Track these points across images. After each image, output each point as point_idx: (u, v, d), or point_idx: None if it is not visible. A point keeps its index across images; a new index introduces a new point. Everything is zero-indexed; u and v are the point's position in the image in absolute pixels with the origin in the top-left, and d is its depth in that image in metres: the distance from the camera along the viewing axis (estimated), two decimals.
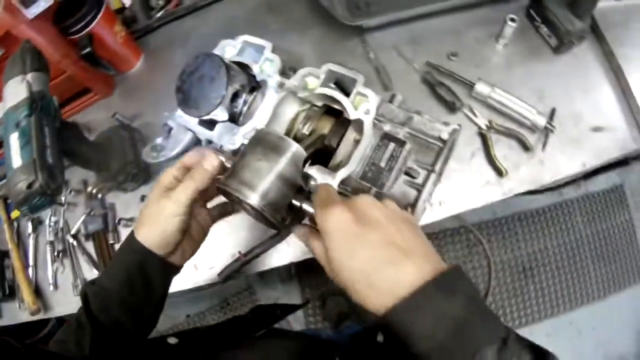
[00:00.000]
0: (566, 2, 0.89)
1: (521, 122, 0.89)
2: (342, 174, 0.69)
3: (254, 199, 0.58)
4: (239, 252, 0.81)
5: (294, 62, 0.93)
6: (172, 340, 0.67)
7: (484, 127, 0.90)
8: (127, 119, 1.03)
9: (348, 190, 0.72)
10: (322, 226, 0.48)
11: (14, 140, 0.75)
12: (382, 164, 0.71)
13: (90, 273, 0.97)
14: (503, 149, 0.90)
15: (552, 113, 0.89)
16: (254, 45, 0.84)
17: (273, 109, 0.76)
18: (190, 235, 0.66)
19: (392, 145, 0.72)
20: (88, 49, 0.90)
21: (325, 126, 0.76)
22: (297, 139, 0.77)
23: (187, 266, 0.70)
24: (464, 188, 0.89)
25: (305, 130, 0.77)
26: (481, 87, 0.90)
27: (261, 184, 0.59)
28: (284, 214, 0.63)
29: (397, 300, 0.41)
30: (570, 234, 2.08)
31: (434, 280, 0.42)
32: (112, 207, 1.01)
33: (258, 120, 0.79)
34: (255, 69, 0.81)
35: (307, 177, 0.68)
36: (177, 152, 0.86)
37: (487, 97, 0.90)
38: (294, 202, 0.63)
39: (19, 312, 1.00)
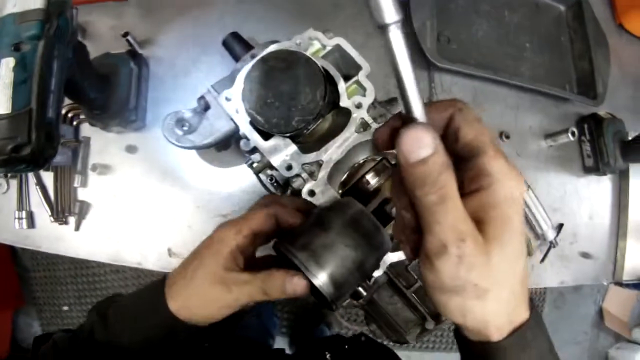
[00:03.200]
0: (619, 140, 0.91)
1: (533, 227, 0.93)
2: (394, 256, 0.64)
3: (322, 282, 0.49)
4: None
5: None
6: None
7: None
8: (137, 43, 0.82)
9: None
10: (515, 186, 0.32)
11: (7, 69, 0.52)
12: None
13: (39, 209, 0.79)
14: None
15: (560, 228, 0.94)
16: (346, 57, 0.71)
17: (348, 150, 0.67)
18: None
19: None
20: None
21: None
22: (357, 188, 0.70)
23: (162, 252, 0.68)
24: None
25: (372, 184, 0.69)
26: None
27: (336, 270, 0.50)
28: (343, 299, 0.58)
29: (513, 328, 0.36)
30: None
31: (534, 315, 0.38)
32: (87, 142, 0.80)
33: (326, 155, 0.68)
34: (341, 89, 0.69)
35: None
36: (209, 143, 0.71)
37: None
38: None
39: None
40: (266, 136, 0.67)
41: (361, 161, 0.69)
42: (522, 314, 0.37)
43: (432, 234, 0.32)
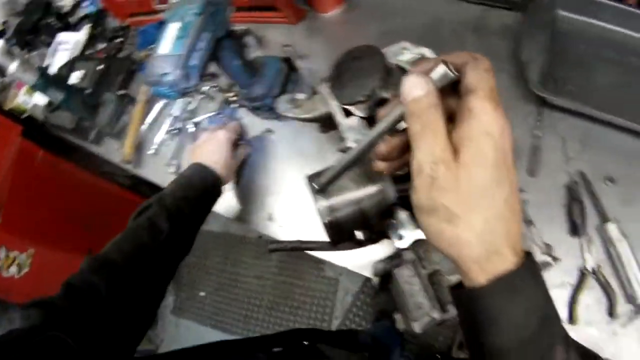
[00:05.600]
0: None
1: (624, 287, 0.81)
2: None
3: (321, 205, 0.59)
4: (299, 240, 0.84)
5: None
6: None
7: (589, 268, 0.83)
8: (296, 54, 1.08)
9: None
10: (492, 123, 0.36)
11: (173, 28, 0.82)
12: None
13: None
14: (590, 298, 0.83)
15: None
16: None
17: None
18: None
19: None
20: None
21: None
22: (409, 176, 0.77)
23: (263, 216, 0.82)
24: None
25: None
26: (612, 230, 0.82)
27: (336, 200, 0.59)
28: (341, 236, 0.64)
29: (496, 274, 0.36)
30: None
31: (527, 263, 0.37)
32: (239, 121, 1.10)
33: None
34: None
35: (389, 214, 0.69)
36: (307, 117, 0.90)
37: (611, 242, 0.82)
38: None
39: (114, 153, 1.15)
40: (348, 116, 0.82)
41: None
42: (508, 259, 0.36)
43: (415, 157, 0.38)
